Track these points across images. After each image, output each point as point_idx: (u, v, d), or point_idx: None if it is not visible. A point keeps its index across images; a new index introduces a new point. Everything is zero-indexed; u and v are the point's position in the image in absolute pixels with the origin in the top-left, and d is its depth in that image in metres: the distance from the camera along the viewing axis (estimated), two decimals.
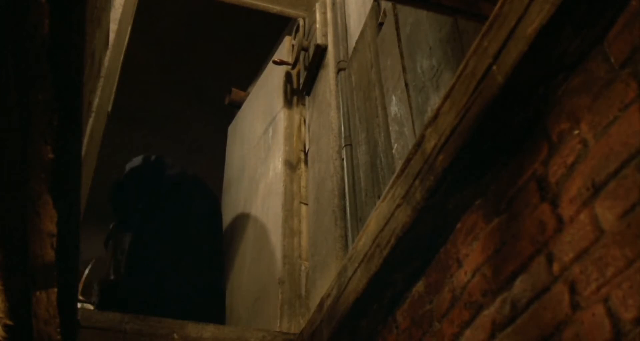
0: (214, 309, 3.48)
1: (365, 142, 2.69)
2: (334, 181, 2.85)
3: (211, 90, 5.36)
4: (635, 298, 1.00)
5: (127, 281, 3.49)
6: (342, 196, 2.77)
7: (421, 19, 2.35)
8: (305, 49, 3.62)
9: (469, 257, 1.51)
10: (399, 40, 2.54)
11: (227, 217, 4.03)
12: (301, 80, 3.73)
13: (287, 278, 2.98)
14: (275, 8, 4.01)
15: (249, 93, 4.55)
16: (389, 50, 2.63)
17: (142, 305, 3.32)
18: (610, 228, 1.08)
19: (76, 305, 2.11)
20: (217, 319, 3.39)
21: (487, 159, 1.46)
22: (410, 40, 2.44)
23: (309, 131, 3.55)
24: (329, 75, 3.28)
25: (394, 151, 2.37)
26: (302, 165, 3.47)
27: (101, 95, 2.61)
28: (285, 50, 3.99)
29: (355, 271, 1.91)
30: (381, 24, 2.79)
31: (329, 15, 3.56)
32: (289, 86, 3.85)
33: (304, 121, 3.70)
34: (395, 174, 1.78)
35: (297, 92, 3.81)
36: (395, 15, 2.62)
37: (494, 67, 1.35)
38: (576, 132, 1.21)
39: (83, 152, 1.97)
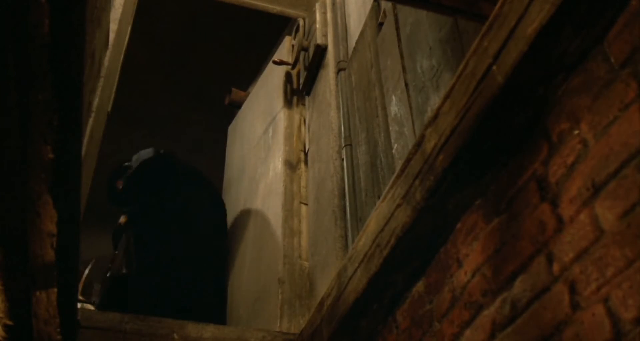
0: (216, 309, 3.47)
1: (365, 142, 2.69)
2: (334, 181, 2.85)
3: (211, 90, 5.36)
4: (635, 298, 1.00)
5: (139, 276, 3.47)
6: (342, 196, 2.77)
7: (421, 19, 2.35)
8: (305, 49, 3.62)
9: (469, 257, 1.51)
10: (399, 40, 2.54)
11: (228, 217, 4.03)
12: (301, 80, 3.73)
13: (287, 278, 2.98)
14: (275, 8, 4.01)
15: (249, 93, 4.55)
16: (389, 50, 2.63)
17: (149, 300, 3.31)
18: (610, 228, 1.08)
19: (76, 305, 2.11)
20: (219, 319, 3.38)
21: (487, 159, 1.46)
22: (410, 40, 2.44)
23: (309, 131, 3.55)
24: (329, 75, 3.28)
25: (394, 151, 2.37)
26: (302, 165, 3.47)
27: (101, 95, 2.61)
28: (285, 50, 3.99)
29: (355, 271, 1.91)
30: (381, 24, 2.79)
31: (329, 15, 3.56)
32: (289, 86, 3.85)
33: (304, 121, 3.70)
34: (395, 174, 1.78)
35: (297, 92, 3.81)
36: (395, 15, 2.62)
37: (494, 67, 1.35)
38: (576, 132, 1.21)
39: (83, 152, 1.97)
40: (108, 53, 2.73)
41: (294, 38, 3.92)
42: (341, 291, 1.99)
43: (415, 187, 1.63)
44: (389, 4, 2.69)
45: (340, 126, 3.01)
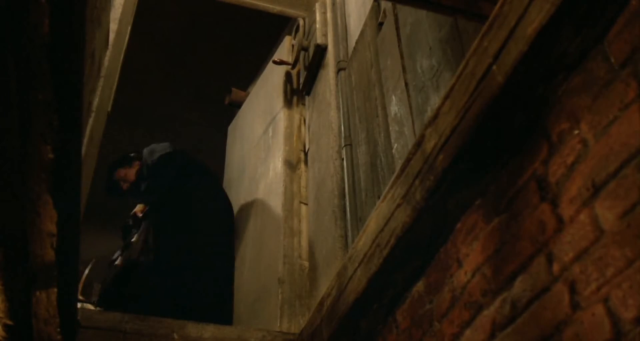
0: (226, 306, 3.45)
1: (365, 142, 2.69)
2: (334, 181, 2.85)
3: (211, 90, 5.36)
4: (635, 298, 1.00)
5: (156, 265, 3.44)
6: (342, 196, 2.77)
7: (421, 19, 2.35)
8: (305, 49, 3.62)
9: (469, 257, 1.51)
10: (399, 40, 2.54)
11: None
12: (301, 80, 3.73)
13: (287, 278, 2.98)
14: (275, 8, 4.01)
15: (249, 93, 4.55)
16: (389, 50, 2.63)
17: (158, 291, 3.29)
18: (610, 228, 1.08)
19: (76, 305, 2.11)
20: (228, 317, 3.35)
21: (487, 159, 1.46)
22: (410, 40, 2.44)
23: (309, 131, 3.55)
24: (328, 75, 3.28)
25: (394, 151, 2.37)
26: (302, 165, 3.47)
27: (101, 95, 2.61)
28: (285, 50, 3.99)
29: (355, 271, 1.91)
30: (381, 24, 2.79)
31: (329, 15, 3.56)
32: (289, 86, 3.85)
33: (304, 121, 3.70)
34: (395, 174, 1.78)
35: (297, 92, 3.81)
36: (395, 15, 2.62)
37: (494, 67, 1.35)
38: (576, 131, 1.21)
39: (83, 152, 1.97)
40: (108, 53, 2.73)
41: (294, 38, 3.92)
42: (341, 291, 1.99)
43: (415, 187, 1.63)
44: (389, 4, 2.69)
45: (340, 126, 3.01)
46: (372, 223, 1.86)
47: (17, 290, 1.56)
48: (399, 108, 2.42)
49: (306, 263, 3.06)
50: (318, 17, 3.57)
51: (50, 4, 1.06)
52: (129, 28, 3.45)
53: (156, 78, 5.42)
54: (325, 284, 2.54)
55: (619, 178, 1.08)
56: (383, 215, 1.79)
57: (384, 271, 1.77)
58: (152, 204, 3.75)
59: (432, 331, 1.61)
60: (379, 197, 2.26)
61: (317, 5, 3.64)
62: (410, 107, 2.30)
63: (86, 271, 4.09)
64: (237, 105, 4.61)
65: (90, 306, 3.75)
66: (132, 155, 3.99)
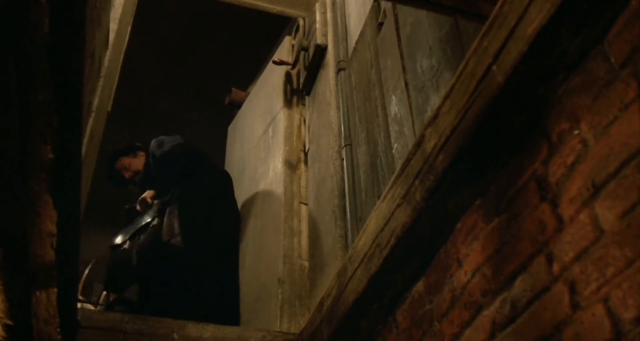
0: (231, 308, 3.43)
1: (365, 142, 2.69)
2: (334, 181, 2.85)
3: (211, 90, 5.36)
4: (635, 298, 1.00)
5: (185, 250, 3.41)
6: (342, 196, 2.77)
7: (421, 19, 2.35)
8: (305, 49, 3.62)
9: (469, 257, 1.51)
10: (399, 40, 2.54)
11: None
12: (301, 80, 3.73)
13: (287, 278, 2.98)
14: (275, 8, 4.01)
15: (249, 93, 4.55)
16: (389, 50, 2.63)
17: (185, 277, 3.28)
18: (610, 228, 1.08)
19: (76, 305, 2.11)
20: (233, 319, 3.34)
21: (487, 159, 1.46)
22: (410, 40, 2.44)
23: (309, 131, 3.55)
24: (328, 75, 3.28)
25: (394, 151, 2.37)
26: (302, 165, 3.47)
27: (101, 95, 2.61)
28: (285, 50, 3.99)
29: (355, 271, 1.91)
30: (381, 24, 2.79)
31: (329, 15, 3.56)
32: (289, 86, 3.85)
33: (304, 121, 3.70)
34: (395, 174, 1.78)
35: (297, 92, 3.81)
36: (395, 15, 2.62)
37: (494, 67, 1.35)
38: (576, 132, 1.21)
39: (83, 152, 1.97)
40: (108, 53, 2.73)
41: (294, 38, 3.92)
42: (341, 291, 1.99)
43: (415, 187, 1.63)
44: (389, 4, 2.69)
45: (340, 126, 3.01)
46: (372, 223, 1.86)
47: (17, 290, 1.56)
48: (399, 108, 2.42)
49: (306, 263, 3.05)
50: (318, 17, 3.57)
51: (50, 4, 1.06)
52: (129, 28, 3.45)
53: (156, 78, 5.41)
54: (325, 284, 2.54)
55: (619, 178, 1.08)
56: (383, 215, 1.79)
57: (384, 271, 1.77)
58: (169, 191, 3.70)
59: (432, 331, 1.61)
60: (379, 197, 2.25)
61: (317, 5, 3.64)
62: (410, 107, 2.30)
63: (86, 271, 4.09)
64: (237, 105, 4.61)
65: (90, 306, 3.74)
66: (137, 144, 3.98)
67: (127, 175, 3.91)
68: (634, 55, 1.09)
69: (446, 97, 1.54)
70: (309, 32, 3.69)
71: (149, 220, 3.60)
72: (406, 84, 2.39)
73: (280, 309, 2.88)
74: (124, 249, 3.57)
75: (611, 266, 1.06)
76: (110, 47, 2.74)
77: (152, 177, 3.84)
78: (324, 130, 3.17)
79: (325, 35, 3.47)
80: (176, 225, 3.48)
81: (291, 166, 3.46)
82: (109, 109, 3.02)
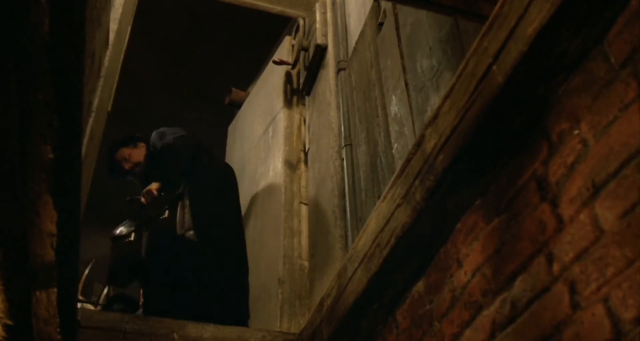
0: (240, 308, 3.40)
1: (365, 142, 2.69)
2: (334, 181, 2.85)
3: (211, 90, 5.36)
4: (635, 298, 1.00)
5: (198, 244, 3.39)
6: (342, 196, 2.77)
7: (421, 19, 2.35)
8: (305, 49, 3.62)
9: (469, 257, 1.51)
10: (399, 40, 2.54)
11: None
12: (301, 80, 3.73)
13: (287, 278, 2.98)
14: (275, 8, 4.02)
15: (249, 93, 4.56)
16: (389, 50, 2.63)
17: (198, 271, 3.25)
18: (610, 228, 1.08)
19: (76, 305, 2.11)
20: (243, 315, 3.30)
21: (487, 159, 1.46)
22: (410, 40, 2.44)
23: (309, 131, 3.55)
24: (329, 75, 3.28)
25: (394, 151, 2.37)
26: (302, 165, 3.47)
27: (101, 95, 2.61)
28: (285, 50, 3.99)
29: (355, 271, 1.91)
30: (381, 24, 2.79)
31: (329, 15, 3.56)
32: (289, 86, 3.85)
33: (304, 121, 3.70)
34: (395, 174, 1.78)
35: (297, 92, 3.81)
36: (395, 15, 2.62)
37: (494, 67, 1.35)
38: (576, 132, 1.21)
39: (83, 152, 1.97)
40: (108, 53, 2.73)
41: (294, 38, 3.92)
42: (341, 291, 1.99)
43: (415, 187, 1.63)
44: (389, 4, 2.69)
45: (340, 126, 3.01)
46: (372, 223, 1.86)
47: (17, 290, 1.56)
48: (399, 108, 2.42)
49: (306, 263, 3.06)
50: (318, 17, 3.57)
51: (50, 4, 1.06)
52: (129, 28, 3.45)
53: (156, 78, 5.42)
54: (325, 284, 2.54)
55: (619, 178, 1.08)
56: (383, 215, 1.79)
57: (384, 271, 1.77)
58: (175, 183, 3.66)
59: (432, 331, 1.61)
60: (379, 197, 2.26)
61: (317, 5, 3.65)
62: (410, 107, 2.30)
63: (86, 271, 4.09)
64: (237, 105, 4.61)
65: (90, 306, 3.74)
66: (137, 135, 3.95)
67: (127, 166, 3.85)
68: (634, 55, 1.09)
69: (446, 97, 1.54)
70: (309, 32, 3.70)
71: (159, 212, 3.54)
72: (406, 84, 2.39)
73: (280, 309, 2.88)
74: (130, 241, 3.52)
75: (611, 266, 1.06)
76: (110, 47, 2.74)
77: (152, 168, 3.80)
78: (324, 130, 3.17)
79: (325, 35, 3.47)
80: (189, 218, 3.45)
81: (291, 166, 3.47)
82: (109, 109, 3.02)
